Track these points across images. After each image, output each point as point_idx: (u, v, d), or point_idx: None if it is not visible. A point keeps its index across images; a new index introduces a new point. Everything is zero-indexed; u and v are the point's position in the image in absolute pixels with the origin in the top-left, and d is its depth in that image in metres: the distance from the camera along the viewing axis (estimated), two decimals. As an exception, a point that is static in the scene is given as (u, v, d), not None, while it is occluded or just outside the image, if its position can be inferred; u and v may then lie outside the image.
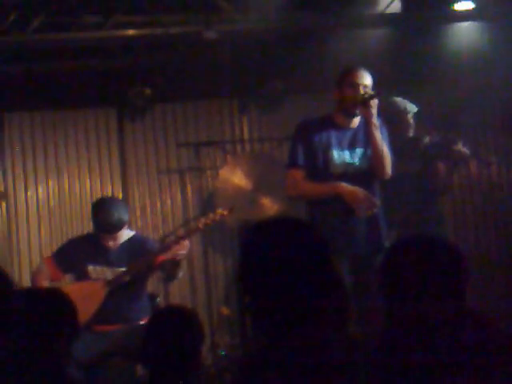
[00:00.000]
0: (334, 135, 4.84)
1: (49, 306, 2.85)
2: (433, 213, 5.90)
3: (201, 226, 5.39)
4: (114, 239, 5.30)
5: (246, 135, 7.47)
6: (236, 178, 6.99)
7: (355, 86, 4.75)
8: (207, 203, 7.19)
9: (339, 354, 2.05)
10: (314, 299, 2.07)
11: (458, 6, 6.27)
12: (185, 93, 7.11)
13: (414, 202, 5.68)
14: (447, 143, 5.86)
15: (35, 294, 3.00)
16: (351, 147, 4.84)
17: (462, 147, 5.78)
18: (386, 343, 2.30)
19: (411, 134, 5.89)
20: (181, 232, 5.53)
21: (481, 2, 6.16)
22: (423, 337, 2.24)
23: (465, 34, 6.38)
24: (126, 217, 5.39)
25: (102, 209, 5.33)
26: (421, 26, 6.40)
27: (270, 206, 6.80)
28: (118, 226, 5.30)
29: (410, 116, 5.85)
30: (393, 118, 5.61)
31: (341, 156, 4.82)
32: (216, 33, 5.99)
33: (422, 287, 2.32)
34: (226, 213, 5.40)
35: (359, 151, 4.83)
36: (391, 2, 6.14)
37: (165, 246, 5.32)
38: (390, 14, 6.17)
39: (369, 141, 4.78)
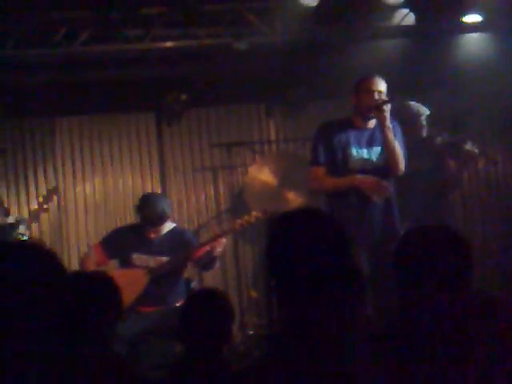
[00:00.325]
0: (352, 135, 4.84)
1: (95, 289, 2.86)
2: (444, 206, 5.88)
3: (237, 226, 5.42)
4: (157, 231, 5.32)
5: (272, 136, 7.46)
6: (263, 174, 6.98)
7: (371, 92, 4.76)
8: (237, 198, 7.21)
9: (355, 333, 2.05)
10: (332, 282, 2.07)
11: (466, 19, 6.23)
12: (217, 98, 7.11)
13: (427, 196, 5.68)
14: (457, 143, 5.84)
15: (83, 278, 3.03)
16: (369, 145, 4.84)
17: (470, 146, 5.76)
18: (399, 325, 2.30)
19: (424, 134, 5.87)
20: (218, 231, 5.56)
21: (488, 15, 6.13)
22: (434, 319, 2.24)
23: (473, 44, 6.35)
24: (169, 211, 5.41)
25: (148, 203, 5.35)
26: (433, 36, 6.37)
27: (294, 200, 6.78)
28: (163, 219, 5.32)
29: (423, 118, 5.83)
30: (407, 120, 5.61)
31: (359, 153, 4.82)
32: (245, 44, 6.00)
33: (432, 272, 2.32)
34: (260, 215, 5.40)
35: (376, 149, 4.83)
36: (406, 15, 6.12)
37: (204, 243, 5.34)
38: (405, 26, 6.15)
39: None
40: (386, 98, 4.74)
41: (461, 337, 2.19)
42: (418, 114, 5.82)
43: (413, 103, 5.87)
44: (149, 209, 5.29)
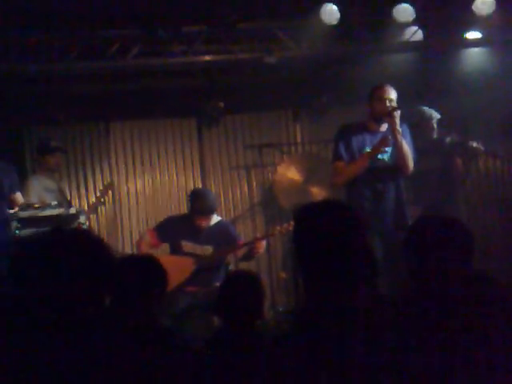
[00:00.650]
0: (367, 137, 4.83)
1: (145, 270, 2.89)
2: (452, 199, 5.86)
3: (276, 232, 5.45)
4: (206, 222, 5.26)
5: (298, 139, 7.45)
6: (290, 172, 6.97)
7: (383, 99, 4.73)
8: (268, 193, 7.22)
9: (370, 309, 2.04)
10: (351, 265, 2.06)
11: (468, 35, 6.22)
12: (250, 106, 7.13)
13: (438, 190, 5.67)
14: (464, 142, 5.83)
15: (135, 260, 3.06)
16: (382, 147, 4.82)
17: (476, 144, 5.74)
18: (410, 301, 2.29)
19: (435, 135, 5.88)
20: (260, 235, 5.65)
21: (486, 32, 6.12)
22: (439, 295, 2.23)
23: (474, 57, 6.33)
24: (216, 203, 5.41)
25: (200, 196, 5.34)
26: (439, 51, 6.35)
27: (317, 194, 6.77)
28: (212, 210, 5.29)
29: (434, 121, 5.85)
30: (420, 123, 5.63)
31: (373, 153, 4.81)
32: (274, 58, 5.99)
33: (437, 258, 2.30)
34: None
35: (388, 150, 4.81)
36: (415, 32, 6.09)
37: (247, 243, 5.34)
38: (414, 41, 6.12)
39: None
40: (396, 105, 4.72)
41: (466, 309, 2.17)
42: (429, 118, 5.84)
43: (425, 108, 5.89)
44: (200, 201, 5.26)
